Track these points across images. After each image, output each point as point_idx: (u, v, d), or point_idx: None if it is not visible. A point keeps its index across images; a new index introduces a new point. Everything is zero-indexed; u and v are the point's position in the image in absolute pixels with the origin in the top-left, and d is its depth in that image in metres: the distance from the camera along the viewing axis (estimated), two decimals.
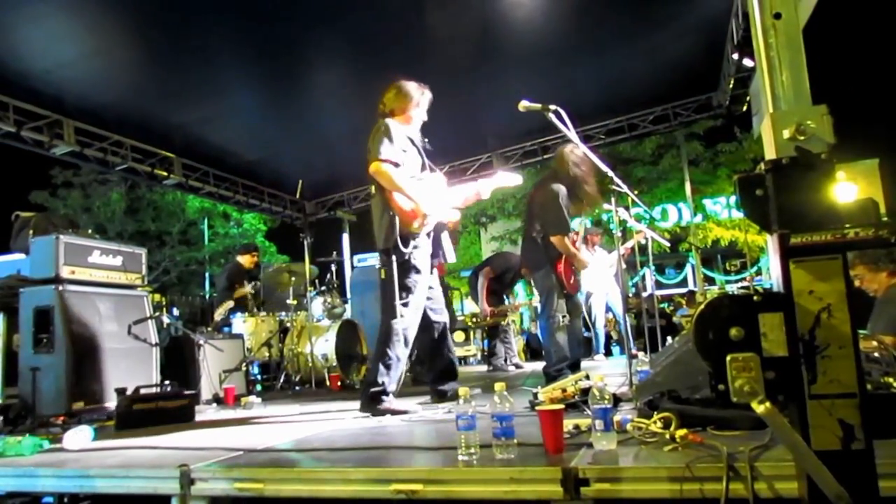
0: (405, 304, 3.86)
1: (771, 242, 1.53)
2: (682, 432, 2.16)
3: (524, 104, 4.07)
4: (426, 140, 4.32)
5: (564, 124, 3.99)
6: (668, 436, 2.21)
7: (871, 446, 1.46)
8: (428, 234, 4.03)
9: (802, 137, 1.45)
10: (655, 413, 2.41)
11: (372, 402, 3.69)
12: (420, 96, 4.16)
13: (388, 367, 3.74)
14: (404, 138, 4.02)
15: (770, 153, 1.51)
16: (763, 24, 1.53)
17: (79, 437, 3.25)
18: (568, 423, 2.45)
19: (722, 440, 2.03)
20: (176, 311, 12.51)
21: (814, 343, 1.46)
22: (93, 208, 23.30)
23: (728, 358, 1.46)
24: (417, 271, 3.91)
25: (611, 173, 4.02)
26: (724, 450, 1.89)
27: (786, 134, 1.47)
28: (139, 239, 24.04)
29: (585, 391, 3.16)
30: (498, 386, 2.23)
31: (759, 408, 1.42)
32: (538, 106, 4.04)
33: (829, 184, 1.45)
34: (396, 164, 3.83)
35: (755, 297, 1.48)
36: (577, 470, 1.94)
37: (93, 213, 23.29)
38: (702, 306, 1.50)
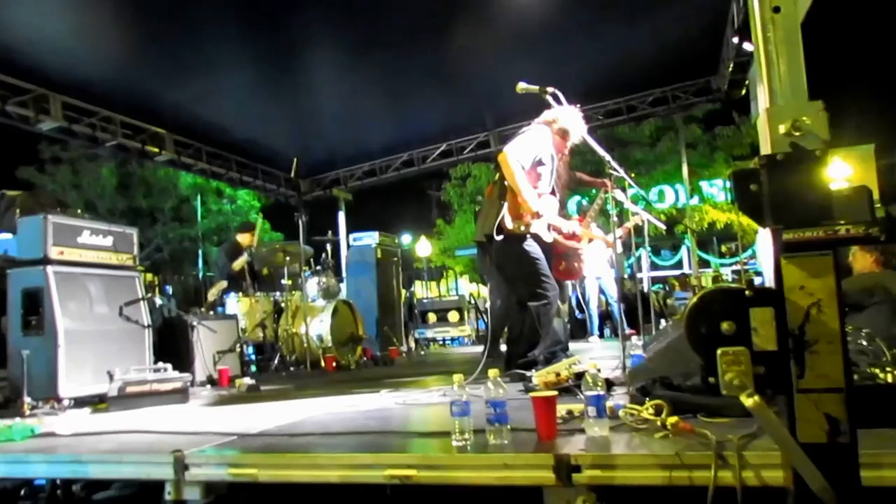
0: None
1: (765, 243, 1.54)
2: (673, 420, 2.19)
3: (522, 86, 4.07)
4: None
5: (562, 106, 4.01)
6: (659, 423, 2.23)
7: (855, 439, 1.48)
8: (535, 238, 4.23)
9: (798, 133, 1.45)
10: (647, 400, 2.44)
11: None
12: (577, 136, 4.35)
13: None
14: (548, 153, 4.24)
15: (766, 148, 1.51)
16: (762, 17, 1.52)
17: (71, 421, 3.24)
18: (561, 409, 2.47)
19: (712, 428, 2.05)
20: (169, 290, 12.49)
21: (803, 338, 1.48)
22: (82, 185, 23.07)
23: (719, 352, 1.47)
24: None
25: (607, 157, 4.02)
26: (713, 439, 1.92)
27: (781, 129, 1.47)
28: (130, 216, 23.85)
29: (579, 375, 3.18)
30: (492, 373, 2.24)
31: (748, 401, 1.43)
32: (536, 88, 4.05)
33: (823, 180, 1.46)
34: (522, 167, 4.08)
35: (747, 293, 1.49)
36: (569, 457, 1.96)
37: (82, 190, 23.07)
38: (694, 300, 1.51)
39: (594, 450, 2.04)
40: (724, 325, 1.48)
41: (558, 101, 3.99)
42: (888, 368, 2.17)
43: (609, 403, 2.44)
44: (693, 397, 2.41)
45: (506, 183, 4.14)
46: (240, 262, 6.94)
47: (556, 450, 2.04)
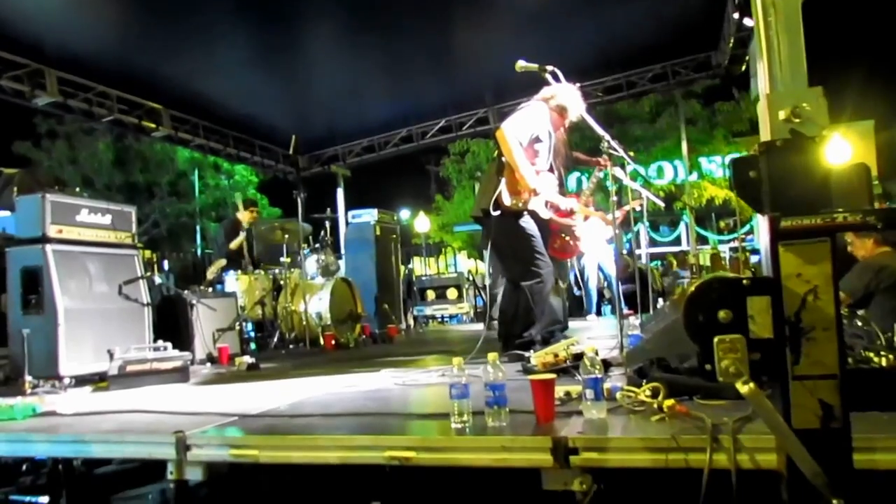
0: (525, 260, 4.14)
1: (762, 224, 1.54)
2: (669, 402, 2.21)
3: (521, 64, 4.04)
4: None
5: (561, 84, 3.99)
6: (655, 405, 2.25)
7: (848, 425, 1.50)
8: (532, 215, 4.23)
9: (798, 120, 1.44)
10: (644, 382, 2.46)
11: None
12: (575, 113, 4.33)
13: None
14: (545, 130, 4.24)
15: (765, 134, 1.51)
16: (763, 2, 1.51)
17: (72, 400, 3.27)
18: (559, 390, 2.49)
19: (707, 411, 2.07)
20: (167, 266, 12.49)
21: (799, 325, 1.49)
22: (79, 160, 22.90)
23: (716, 339, 1.48)
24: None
25: (606, 136, 4.00)
26: (708, 422, 1.94)
27: (781, 115, 1.47)
28: (127, 191, 23.75)
29: (577, 356, 3.21)
30: (491, 356, 2.26)
31: (744, 388, 1.45)
32: (535, 66, 4.02)
33: (822, 168, 1.46)
34: (520, 143, 4.08)
35: (744, 281, 1.50)
36: (566, 439, 1.99)
37: (79, 165, 22.90)
38: (692, 289, 1.52)
39: (591, 432, 2.06)
40: (722, 314, 1.49)
41: (557, 80, 3.97)
42: (882, 352, 2.19)
43: (606, 385, 2.45)
44: (689, 379, 2.43)
45: (504, 159, 4.12)
46: (237, 242, 6.94)
47: (554, 432, 2.06)
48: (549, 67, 3.92)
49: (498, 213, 4.08)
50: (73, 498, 3.35)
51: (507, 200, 4.08)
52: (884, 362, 2.19)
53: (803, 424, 1.50)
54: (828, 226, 1.44)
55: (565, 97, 4.26)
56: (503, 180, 4.10)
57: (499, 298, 5.10)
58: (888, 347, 2.25)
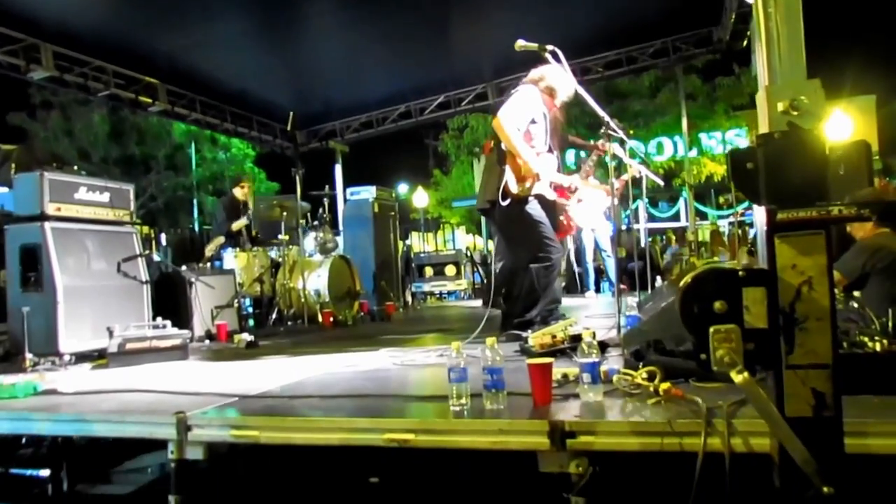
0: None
1: (759, 216, 1.55)
2: (665, 386, 2.24)
3: (520, 43, 4.01)
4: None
5: (561, 64, 3.95)
6: (652, 389, 2.28)
7: (839, 413, 1.53)
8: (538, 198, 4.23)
9: (796, 113, 1.45)
10: (641, 364, 2.49)
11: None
12: (565, 94, 4.35)
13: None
14: (539, 112, 4.23)
15: (763, 126, 1.51)
16: None
17: (72, 379, 3.29)
18: (557, 372, 2.52)
19: (703, 394, 2.10)
20: (164, 240, 12.49)
21: (793, 315, 1.51)
22: (74, 131, 22.74)
23: (711, 329, 1.50)
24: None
25: (606, 117, 3.98)
26: (703, 406, 1.97)
27: (780, 107, 1.48)
28: (124, 164, 23.67)
29: (575, 337, 3.24)
30: (489, 340, 2.28)
31: (738, 378, 1.47)
32: (535, 46, 3.98)
33: (819, 160, 1.46)
34: (517, 129, 4.09)
35: (740, 273, 1.51)
36: (563, 423, 2.02)
37: (74, 137, 22.76)
38: (688, 280, 1.53)
39: (588, 416, 2.09)
40: (717, 305, 1.51)
41: (557, 59, 3.93)
42: (877, 337, 2.22)
43: (603, 368, 2.49)
44: (685, 362, 2.46)
45: (503, 148, 4.13)
46: (238, 224, 6.93)
47: (551, 416, 2.09)
48: (549, 47, 3.88)
49: (507, 202, 4.09)
50: (73, 471, 3.42)
51: (513, 188, 4.10)
52: (878, 347, 2.21)
53: (796, 413, 1.53)
54: (823, 218, 1.45)
55: (554, 79, 4.25)
56: (507, 168, 4.11)
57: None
58: (882, 332, 2.27)
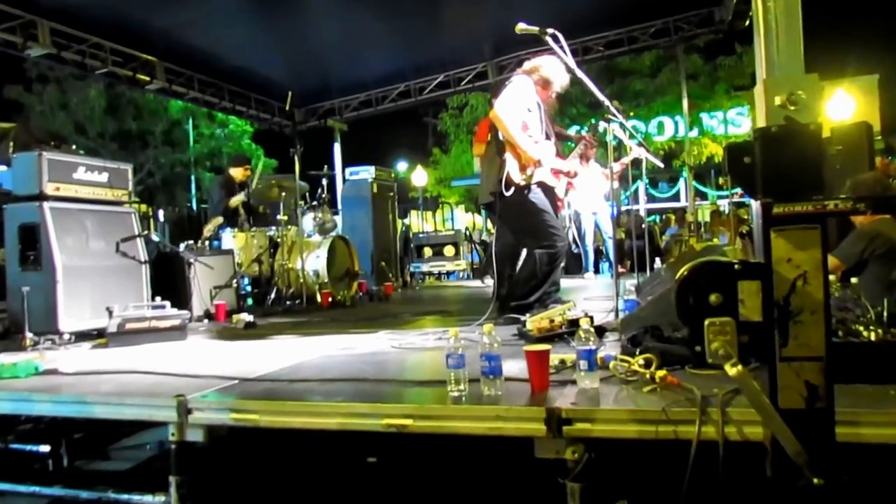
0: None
1: (755, 209, 1.56)
2: (661, 373, 2.26)
3: (521, 26, 3.98)
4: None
5: (562, 48, 3.93)
6: (648, 376, 2.31)
7: (832, 406, 1.55)
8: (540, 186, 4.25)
9: (793, 107, 1.45)
10: (638, 351, 2.51)
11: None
12: (559, 85, 4.40)
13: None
14: (533, 101, 4.28)
15: (761, 120, 1.51)
16: None
17: (72, 359, 3.31)
18: (554, 358, 2.54)
19: (698, 381, 2.12)
20: (161, 216, 12.46)
21: (788, 309, 1.52)
22: (70, 105, 22.57)
23: (706, 322, 1.52)
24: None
25: (606, 101, 3.97)
26: (698, 395, 1.99)
27: (777, 101, 1.48)
28: (120, 139, 23.55)
29: (572, 322, 3.26)
30: (487, 327, 2.30)
31: (732, 371, 1.49)
32: (535, 29, 3.96)
33: (815, 155, 1.47)
34: (515, 119, 4.13)
35: (736, 266, 1.52)
36: (560, 410, 2.04)
37: (70, 111, 22.59)
38: (684, 272, 1.55)
39: (584, 403, 2.12)
40: (713, 297, 1.52)
41: (558, 43, 3.91)
42: (872, 327, 2.23)
43: (600, 354, 2.51)
44: (681, 349, 2.48)
45: (501, 139, 4.15)
46: (236, 200, 6.92)
47: (548, 403, 2.12)
48: (550, 30, 3.86)
49: (511, 191, 4.11)
50: (72, 447, 3.47)
51: (516, 177, 4.12)
52: (872, 336, 2.23)
53: (789, 404, 1.55)
54: (819, 212, 1.46)
55: (549, 70, 4.28)
56: (507, 159, 4.12)
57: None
58: (877, 321, 2.29)
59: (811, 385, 1.55)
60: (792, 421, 1.54)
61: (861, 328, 2.28)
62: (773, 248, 1.50)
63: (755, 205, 1.57)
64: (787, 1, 1.48)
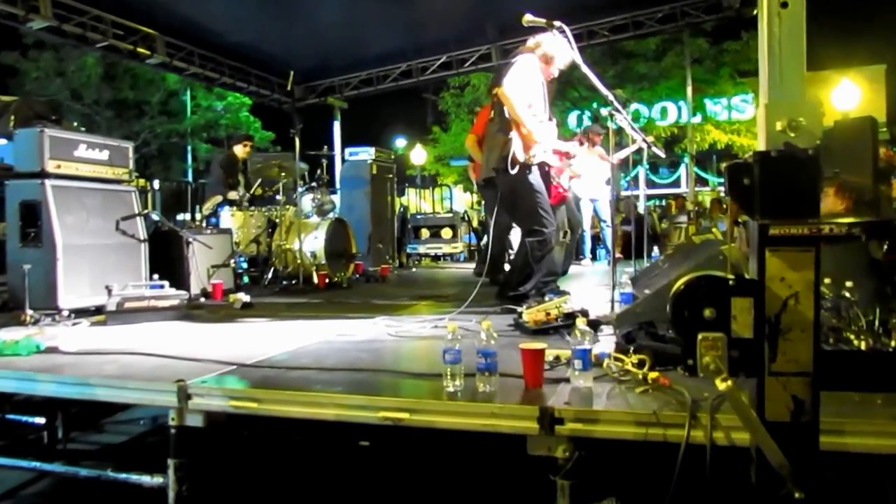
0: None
1: (752, 229, 1.59)
2: (653, 375, 2.32)
3: (528, 18, 3.99)
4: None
5: (568, 41, 3.94)
6: (640, 376, 2.36)
7: (816, 418, 1.60)
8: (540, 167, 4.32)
9: (794, 134, 1.48)
10: (632, 348, 2.55)
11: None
12: (562, 62, 4.39)
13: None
14: (538, 80, 4.33)
15: (762, 143, 1.54)
16: (769, 11, 1.52)
17: (72, 336, 3.33)
18: (550, 354, 2.59)
19: (689, 383, 2.16)
20: (157, 185, 12.44)
21: (778, 326, 1.57)
22: (67, 72, 22.32)
23: (699, 337, 1.56)
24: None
25: (610, 96, 3.97)
26: (688, 398, 2.04)
27: (778, 126, 1.51)
28: (116, 108, 23.34)
29: (568, 315, 3.30)
30: (485, 324, 2.34)
31: (722, 385, 1.54)
32: (542, 21, 3.97)
33: (813, 180, 1.50)
34: (522, 98, 4.16)
35: (730, 282, 1.56)
36: (552, 409, 2.09)
37: (67, 78, 22.35)
38: (680, 286, 1.58)
39: (577, 403, 2.17)
40: (707, 312, 1.56)
41: (564, 35, 3.91)
42: (863, 336, 2.28)
43: (595, 351, 2.55)
44: (674, 348, 2.52)
45: (506, 116, 4.16)
46: (234, 194, 6.87)
47: (542, 401, 2.17)
48: (557, 23, 3.87)
49: (515, 169, 4.14)
50: (67, 420, 3.52)
51: (520, 156, 4.16)
52: (863, 345, 2.28)
53: (775, 417, 1.60)
54: (813, 235, 1.49)
55: (552, 46, 4.29)
56: (513, 137, 4.15)
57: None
58: (868, 330, 2.33)
59: (798, 399, 1.59)
60: (777, 433, 1.58)
61: (852, 336, 2.32)
62: (768, 266, 1.54)
63: (752, 223, 1.60)
64: (792, 25, 1.50)
